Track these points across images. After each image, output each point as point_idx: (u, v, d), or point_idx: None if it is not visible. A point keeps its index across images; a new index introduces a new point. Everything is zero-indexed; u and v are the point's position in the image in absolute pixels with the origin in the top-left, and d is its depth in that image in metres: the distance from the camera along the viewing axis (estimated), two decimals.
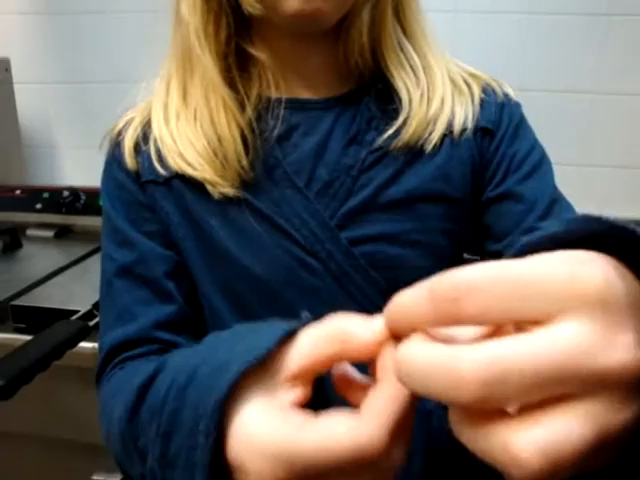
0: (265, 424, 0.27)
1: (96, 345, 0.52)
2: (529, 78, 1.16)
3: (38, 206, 1.18)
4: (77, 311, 0.78)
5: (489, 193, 0.51)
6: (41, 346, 0.64)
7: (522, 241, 0.25)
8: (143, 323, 0.49)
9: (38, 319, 0.80)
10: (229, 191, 0.47)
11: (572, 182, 1.18)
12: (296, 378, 0.28)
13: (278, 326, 0.30)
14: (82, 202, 1.16)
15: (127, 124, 0.52)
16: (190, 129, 0.48)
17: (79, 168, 1.32)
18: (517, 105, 0.53)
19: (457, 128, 0.48)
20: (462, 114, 0.49)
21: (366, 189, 0.47)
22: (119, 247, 0.51)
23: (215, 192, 0.47)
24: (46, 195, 1.19)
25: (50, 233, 1.15)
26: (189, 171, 0.47)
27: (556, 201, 0.50)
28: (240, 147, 0.46)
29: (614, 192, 1.21)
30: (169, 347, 0.50)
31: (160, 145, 0.49)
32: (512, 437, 0.20)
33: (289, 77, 0.49)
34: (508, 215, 0.50)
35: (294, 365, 0.28)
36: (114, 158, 0.52)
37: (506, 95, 0.53)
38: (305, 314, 0.32)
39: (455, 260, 0.50)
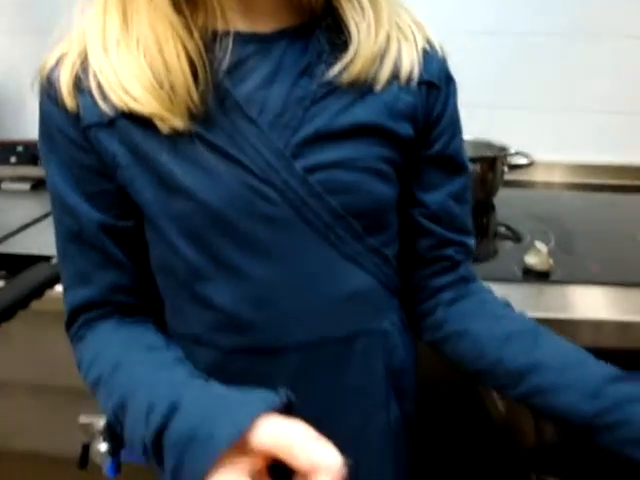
0: None
1: None
2: None
3: (12, 159, 1.17)
4: (54, 256, 0.78)
5: (430, 150, 0.54)
6: (22, 285, 0.65)
7: None
8: (100, 287, 0.52)
9: (16, 266, 0.80)
10: (179, 125, 0.46)
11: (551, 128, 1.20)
12: (252, 455, 0.36)
13: (256, 402, 0.38)
14: None
15: (60, 60, 0.49)
16: (133, 59, 0.45)
17: None
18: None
19: (404, 74, 0.50)
20: (408, 60, 0.51)
21: (318, 119, 0.48)
22: (64, 212, 0.51)
23: (164, 127, 0.46)
24: (20, 149, 1.18)
25: (26, 186, 1.15)
26: (135, 106, 0.45)
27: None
28: (190, 79, 0.45)
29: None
30: (127, 308, 0.54)
31: (101, 79, 0.46)
32: None
33: (237, 9, 0.48)
34: (439, 173, 0.55)
35: (253, 447, 0.36)
36: (50, 101, 0.48)
37: (443, 51, 0.55)
38: (283, 392, 0.38)
39: (396, 183, 0.54)
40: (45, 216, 0.99)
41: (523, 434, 1.13)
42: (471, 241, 0.59)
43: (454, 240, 0.57)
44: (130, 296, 0.53)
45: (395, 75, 0.50)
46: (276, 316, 0.49)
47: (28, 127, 1.30)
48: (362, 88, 0.49)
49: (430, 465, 1.00)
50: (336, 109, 0.48)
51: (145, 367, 0.47)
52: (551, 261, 0.78)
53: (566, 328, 0.71)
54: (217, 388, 0.42)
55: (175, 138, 0.46)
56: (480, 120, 1.16)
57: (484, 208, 1.06)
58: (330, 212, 0.49)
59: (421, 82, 0.51)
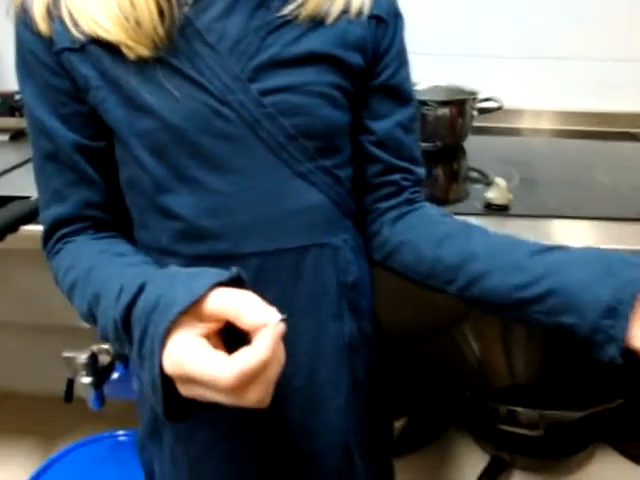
0: (182, 347, 0.40)
1: None
2: None
3: None
4: (31, 197, 0.80)
5: (378, 80, 0.58)
6: None
7: None
8: (73, 203, 0.56)
9: None
10: (144, 53, 0.50)
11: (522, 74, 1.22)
12: (206, 320, 0.41)
13: (211, 275, 0.42)
14: None
15: None
16: None
17: None
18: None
19: (354, 9, 0.55)
20: None
21: (273, 47, 0.52)
22: (40, 134, 0.55)
23: (130, 54, 0.50)
24: None
25: (5, 137, 1.17)
26: (103, 35, 0.49)
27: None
28: (156, 16, 0.49)
29: None
30: (100, 223, 0.58)
31: (71, 8, 0.50)
32: None
33: None
34: (386, 102, 0.59)
35: (206, 312, 0.41)
36: (25, 27, 0.52)
37: None
38: (235, 269, 0.44)
39: (348, 110, 0.57)
40: (23, 163, 1.01)
41: (497, 374, 1.19)
42: (418, 169, 0.62)
43: (400, 166, 0.60)
44: (102, 212, 0.57)
45: (346, 10, 0.54)
46: (233, 225, 0.54)
47: (5, 79, 1.31)
48: (315, 21, 0.53)
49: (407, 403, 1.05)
50: (290, 38, 0.52)
51: (116, 266, 0.52)
52: (510, 196, 0.81)
53: None
54: (180, 269, 0.47)
55: (141, 63, 0.50)
56: (453, 67, 1.19)
57: (455, 152, 1.10)
58: (283, 133, 0.53)
59: (370, 16, 0.55)
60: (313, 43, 0.53)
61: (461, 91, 1.09)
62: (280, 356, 0.41)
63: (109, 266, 0.52)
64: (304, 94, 0.53)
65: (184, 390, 0.41)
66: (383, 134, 0.59)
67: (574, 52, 1.23)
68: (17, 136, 1.17)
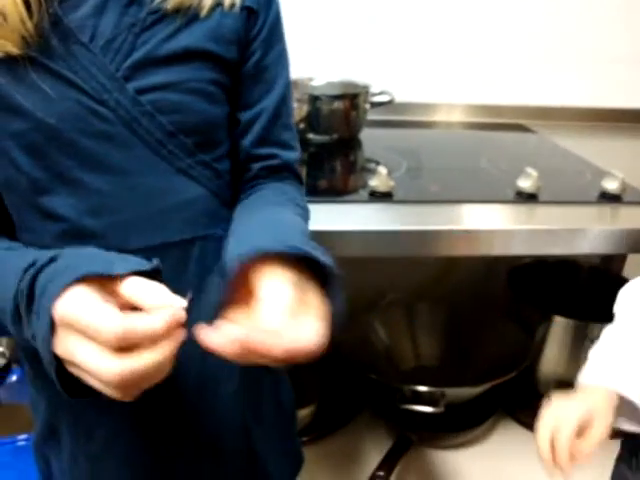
0: (77, 298, 0.41)
1: None
2: None
3: None
4: None
5: (245, 67, 0.59)
6: None
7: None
8: None
9: None
10: (13, 50, 0.49)
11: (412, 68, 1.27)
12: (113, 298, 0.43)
13: (132, 261, 0.45)
14: None
15: None
16: None
17: None
18: None
19: (227, 1, 0.55)
20: None
21: (148, 44, 0.52)
22: None
23: None
24: None
25: None
26: None
27: (288, 89, 0.63)
28: (22, 10, 0.48)
29: None
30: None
31: None
32: None
33: None
34: (250, 89, 0.60)
35: (116, 292, 0.43)
36: None
37: None
38: (156, 261, 0.46)
39: (225, 104, 0.59)
40: None
41: (403, 358, 1.23)
42: (284, 153, 0.63)
43: (259, 154, 0.61)
44: None
45: (219, 2, 0.55)
46: (117, 224, 0.54)
47: None
48: (187, 15, 0.54)
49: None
50: (164, 35, 0.53)
51: (8, 253, 0.52)
52: (392, 183, 0.85)
53: (409, 238, 0.80)
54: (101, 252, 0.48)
55: (11, 62, 0.49)
56: (347, 62, 1.22)
57: (350, 144, 1.13)
58: (162, 130, 0.54)
59: (242, 7, 0.56)
60: (188, 39, 0.53)
61: (354, 85, 1.13)
62: (172, 344, 0.42)
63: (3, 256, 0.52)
64: (181, 91, 0.54)
65: (65, 349, 0.41)
66: (245, 123, 0.60)
67: (461, 46, 1.29)
68: None
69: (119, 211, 0.53)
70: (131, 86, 0.52)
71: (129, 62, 0.52)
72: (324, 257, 0.46)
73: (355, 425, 1.15)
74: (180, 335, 0.42)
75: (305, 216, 0.60)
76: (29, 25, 0.48)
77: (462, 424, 1.10)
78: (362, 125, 1.12)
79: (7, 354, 0.86)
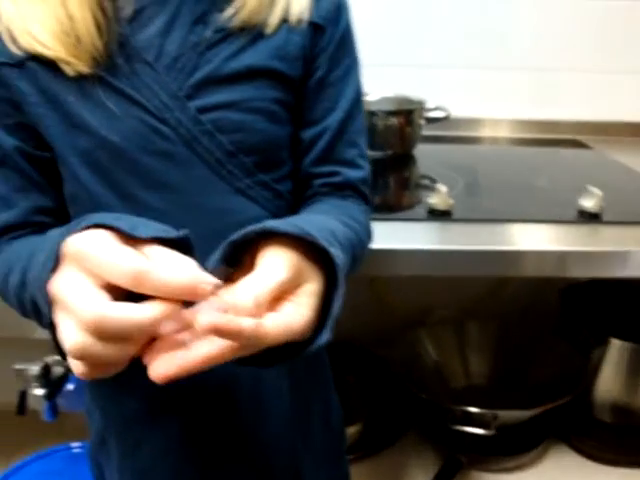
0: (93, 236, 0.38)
1: None
2: None
3: None
4: None
5: (309, 83, 0.58)
6: None
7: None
8: (23, 209, 0.55)
9: None
10: (83, 69, 0.50)
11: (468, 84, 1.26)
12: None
13: (155, 228, 0.41)
14: None
15: None
16: (40, 9, 0.49)
17: None
18: (347, 6, 0.59)
19: (294, 17, 0.55)
20: (298, 4, 0.55)
21: (211, 63, 0.53)
22: None
23: (70, 70, 0.50)
24: None
25: None
26: (42, 50, 0.49)
27: (355, 104, 0.60)
28: (92, 28, 0.49)
29: None
30: (47, 229, 0.55)
31: (9, 24, 0.50)
32: None
33: None
34: (316, 108, 0.59)
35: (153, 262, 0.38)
36: None
37: None
38: (184, 232, 0.42)
39: (288, 123, 0.58)
40: None
41: (453, 377, 1.21)
42: (347, 171, 0.60)
43: (319, 172, 0.60)
44: (51, 217, 0.56)
45: (285, 18, 0.54)
46: None
47: None
48: (253, 33, 0.54)
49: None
50: (227, 54, 0.53)
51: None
52: (451, 201, 0.84)
53: (469, 257, 0.78)
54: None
55: (80, 80, 0.51)
56: (403, 78, 1.22)
57: (405, 160, 1.12)
58: (222, 149, 0.54)
59: (309, 23, 0.56)
60: (252, 57, 0.53)
61: (409, 101, 1.12)
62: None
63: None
64: (243, 110, 0.53)
65: (61, 284, 0.36)
66: (307, 142, 0.59)
67: (516, 62, 1.27)
68: None
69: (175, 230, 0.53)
70: (193, 105, 0.52)
71: (192, 81, 0.52)
72: (335, 250, 0.43)
73: (402, 445, 1.13)
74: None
75: (356, 230, 0.55)
76: (99, 45, 0.50)
77: (513, 447, 1.07)
78: (417, 141, 1.11)
79: (64, 363, 0.88)
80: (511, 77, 1.28)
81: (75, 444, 1.00)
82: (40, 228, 0.55)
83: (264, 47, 0.54)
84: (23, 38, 0.50)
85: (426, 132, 1.13)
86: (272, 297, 0.39)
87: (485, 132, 1.31)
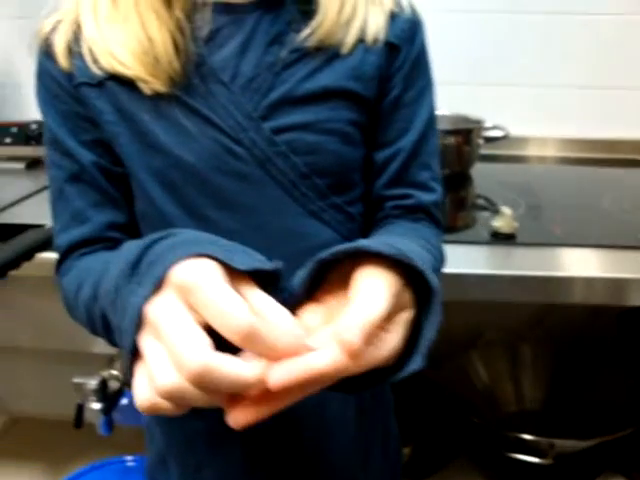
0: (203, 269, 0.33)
1: None
2: None
3: (7, 140, 1.21)
4: (46, 225, 0.82)
5: (383, 104, 0.56)
6: (13, 247, 0.68)
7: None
8: (97, 224, 0.55)
9: (11, 234, 0.83)
10: (160, 88, 0.50)
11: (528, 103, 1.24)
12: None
13: (254, 259, 0.38)
14: None
15: (55, 25, 0.53)
16: (121, 31, 0.50)
17: None
18: (422, 25, 0.58)
19: (370, 37, 0.54)
20: (374, 24, 0.54)
21: (287, 84, 0.52)
22: (63, 156, 0.55)
23: (147, 89, 0.51)
24: (14, 130, 1.22)
25: (21, 165, 1.20)
26: (122, 70, 0.50)
27: (429, 125, 0.58)
28: (170, 48, 0.50)
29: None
30: (120, 244, 0.56)
31: (92, 46, 0.51)
32: None
33: None
34: (390, 129, 0.57)
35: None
36: (47, 59, 0.53)
37: (414, 12, 0.57)
38: (278, 264, 0.39)
39: (361, 145, 0.57)
40: (38, 191, 1.03)
41: (505, 401, 1.18)
42: (420, 194, 0.58)
43: (391, 195, 0.58)
44: (125, 233, 0.56)
45: (361, 38, 0.53)
46: None
47: (22, 109, 1.34)
48: (329, 53, 0.53)
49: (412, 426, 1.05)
50: (304, 74, 0.52)
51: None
52: (516, 224, 0.82)
53: (526, 283, 0.75)
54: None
55: (156, 100, 0.51)
56: (460, 96, 1.20)
57: (462, 180, 1.11)
58: (296, 171, 0.53)
59: (385, 42, 0.54)
60: (328, 78, 0.53)
61: (467, 120, 1.11)
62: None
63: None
64: (317, 132, 0.53)
65: (159, 314, 0.33)
66: (380, 164, 0.58)
67: (577, 80, 1.24)
68: (32, 165, 1.20)
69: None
70: (267, 126, 0.52)
71: (267, 101, 0.52)
72: (432, 275, 0.39)
73: (452, 470, 1.10)
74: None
75: (434, 254, 0.52)
76: (176, 65, 0.50)
77: (568, 479, 1.03)
78: (475, 160, 1.10)
79: (120, 377, 0.88)
80: (569, 95, 1.25)
81: (129, 457, 1.01)
82: (112, 244, 0.55)
83: (340, 67, 0.53)
84: (104, 58, 0.51)
85: (482, 150, 1.11)
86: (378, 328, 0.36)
87: (543, 151, 1.28)
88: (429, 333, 0.39)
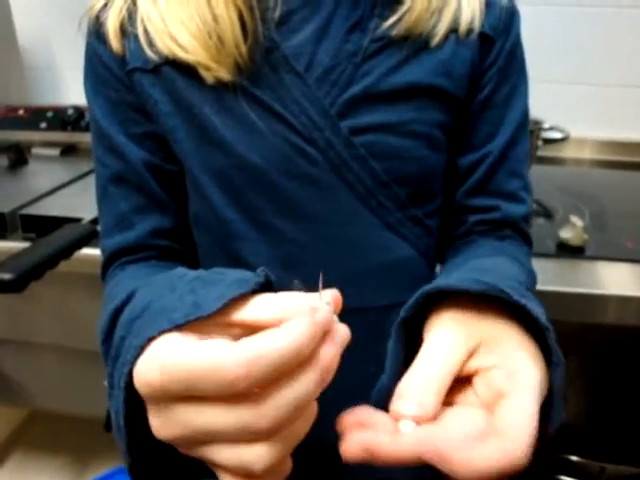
0: (174, 345, 0.27)
1: None
2: None
3: (43, 125, 1.18)
4: (83, 219, 0.78)
5: (472, 104, 0.50)
6: (50, 245, 0.65)
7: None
8: (141, 231, 0.50)
9: (46, 227, 0.80)
10: (224, 76, 0.45)
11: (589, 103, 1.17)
12: (232, 326, 0.30)
13: (232, 284, 0.31)
14: (86, 120, 1.15)
15: (108, 2, 0.48)
16: (182, 8, 0.44)
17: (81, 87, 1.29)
18: (518, 15, 0.52)
19: (463, 27, 0.47)
20: (469, 12, 0.48)
21: (368, 77, 0.46)
22: (109, 152, 0.50)
23: (209, 77, 0.45)
24: (50, 114, 1.19)
25: (56, 151, 1.16)
26: (181, 54, 0.44)
27: (521, 128, 0.52)
28: (238, 29, 0.44)
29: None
30: (167, 252, 0.52)
31: (148, 26, 0.45)
32: None
33: None
34: (478, 132, 0.51)
35: (236, 318, 0.29)
36: (98, 40, 0.48)
37: (510, 0, 0.51)
38: (262, 271, 0.33)
39: (446, 149, 0.51)
40: (74, 180, 1.00)
41: None
42: (508, 206, 0.52)
43: (475, 206, 0.52)
44: (171, 240, 0.52)
45: (454, 28, 0.47)
46: (309, 279, 0.48)
47: (58, 93, 1.31)
48: (417, 43, 0.46)
49: None
50: (388, 67, 0.46)
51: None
52: (586, 236, 0.76)
53: (597, 303, 0.69)
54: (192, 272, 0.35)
55: (219, 89, 0.45)
56: None
57: None
58: (373, 178, 0.47)
59: (479, 34, 0.48)
60: (415, 73, 0.46)
61: None
62: (326, 362, 0.28)
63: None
64: (401, 134, 0.47)
65: (163, 420, 0.28)
66: (464, 170, 0.52)
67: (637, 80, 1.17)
68: (68, 151, 1.16)
69: (314, 265, 0.46)
70: (345, 125, 0.46)
71: (346, 97, 0.46)
72: (538, 309, 0.33)
73: None
74: (334, 346, 0.29)
75: (526, 274, 0.46)
76: (243, 49, 0.44)
77: None
78: (532, 163, 1.03)
79: None
80: (634, 96, 1.17)
81: None
82: (156, 252, 0.51)
83: (428, 61, 0.47)
84: (162, 41, 0.45)
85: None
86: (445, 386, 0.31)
87: (605, 155, 1.21)
88: (558, 385, 0.32)
